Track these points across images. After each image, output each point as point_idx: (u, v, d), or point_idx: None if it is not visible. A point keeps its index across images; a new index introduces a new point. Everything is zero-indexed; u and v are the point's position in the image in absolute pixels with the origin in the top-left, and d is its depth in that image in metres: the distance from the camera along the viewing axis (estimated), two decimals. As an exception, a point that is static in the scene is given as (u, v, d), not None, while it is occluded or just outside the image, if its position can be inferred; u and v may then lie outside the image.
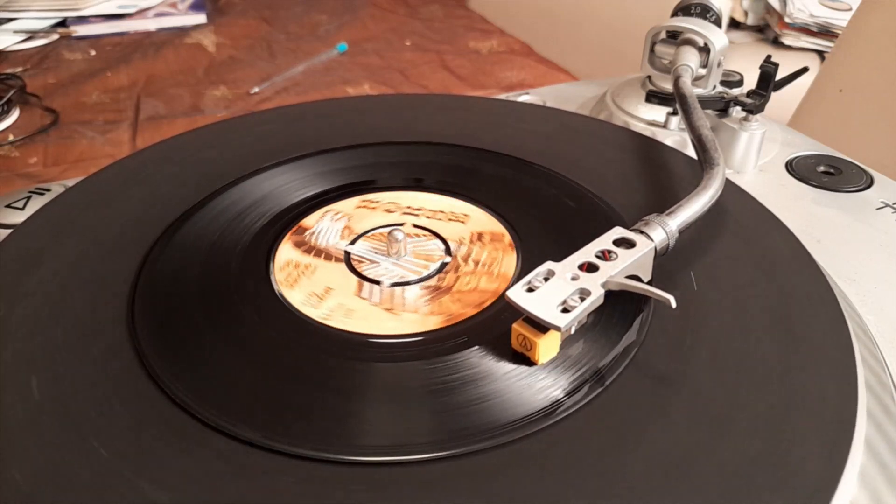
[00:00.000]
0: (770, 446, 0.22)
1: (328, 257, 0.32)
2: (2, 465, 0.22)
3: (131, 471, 0.22)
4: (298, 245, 0.33)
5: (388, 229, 0.33)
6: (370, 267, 0.32)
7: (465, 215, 0.36)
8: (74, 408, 0.24)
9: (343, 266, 0.32)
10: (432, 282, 0.31)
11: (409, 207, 0.36)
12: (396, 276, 0.31)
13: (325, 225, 0.34)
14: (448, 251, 0.33)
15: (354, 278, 0.31)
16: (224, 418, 0.23)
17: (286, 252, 0.32)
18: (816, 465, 0.22)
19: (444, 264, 0.32)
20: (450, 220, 0.35)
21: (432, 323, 0.29)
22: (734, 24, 0.94)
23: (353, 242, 0.33)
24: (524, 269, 0.32)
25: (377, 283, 0.31)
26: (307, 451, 0.22)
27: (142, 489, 0.21)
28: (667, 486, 0.21)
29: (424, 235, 0.34)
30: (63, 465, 0.22)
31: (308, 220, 0.35)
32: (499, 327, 0.27)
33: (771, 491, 0.21)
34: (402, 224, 0.35)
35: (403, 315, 0.29)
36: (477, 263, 0.32)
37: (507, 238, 0.34)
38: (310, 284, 0.31)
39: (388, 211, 0.36)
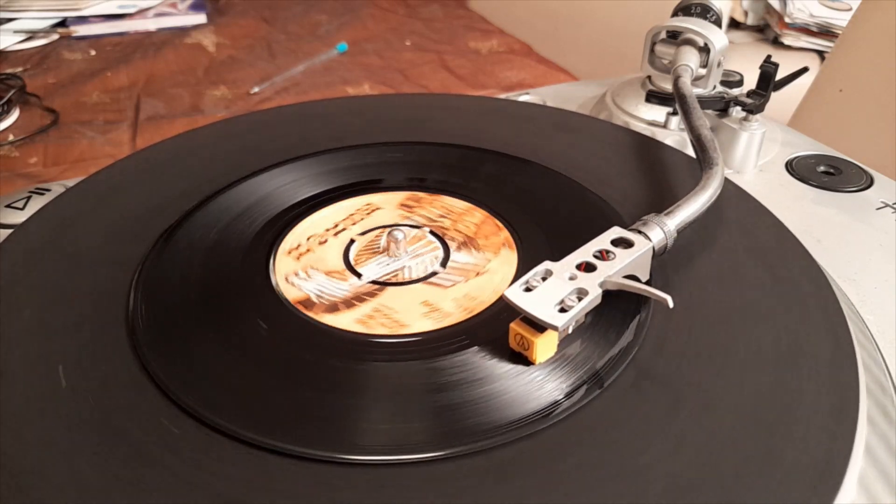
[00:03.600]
0: (770, 446, 0.22)
1: (372, 294, 0.30)
2: (2, 465, 0.22)
3: (131, 471, 0.22)
4: (335, 309, 0.29)
5: (387, 231, 0.33)
6: (405, 271, 0.32)
7: (369, 204, 0.37)
8: (73, 408, 0.24)
9: (393, 288, 0.31)
10: (454, 244, 0.33)
11: (327, 231, 0.35)
12: (434, 260, 0.32)
13: (313, 285, 0.31)
14: (414, 227, 0.35)
15: (418, 285, 0.31)
16: (224, 418, 0.23)
17: (347, 318, 0.29)
18: (817, 465, 0.22)
19: (432, 232, 0.34)
20: (369, 213, 0.36)
21: (509, 256, 0.32)
22: (734, 24, 0.94)
23: (359, 275, 0.32)
24: (523, 268, 0.32)
25: (435, 273, 0.32)
26: (307, 451, 0.22)
27: (141, 489, 0.21)
28: (666, 486, 0.21)
29: (377, 232, 0.34)
30: (62, 464, 0.22)
31: (290, 293, 0.30)
32: (498, 327, 0.27)
33: (772, 491, 0.21)
34: (352, 241, 0.34)
35: (490, 265, 0.32)
36: (443, 216, 0.35)
37: (420, 193, 0.37)
38: (412, 311, 0.29)
39: (322, 242, 0.34)
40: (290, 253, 0.33)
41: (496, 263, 0.32)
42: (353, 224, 0.35)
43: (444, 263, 0.32)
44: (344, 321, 0.29)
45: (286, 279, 0.31)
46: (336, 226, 0.35)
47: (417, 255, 0.33)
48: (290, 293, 0.30)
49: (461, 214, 0.35)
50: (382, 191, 0.37)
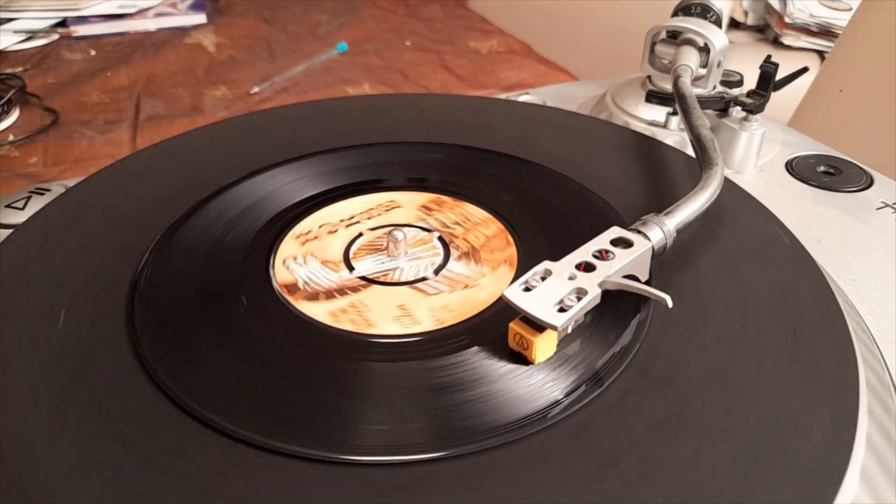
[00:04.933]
0: (770, 447, 0.22)
1: (355, 289, 0.31)
2: (2, 464, 0.22)
3: (131, 471, 0.22)
4: (314, 298, 0.30)
5: (388, 230, 0.33)
6: (396, 272, 0.32)
7: (391, 201, 0.37)
8: (73, 408, 0.24)
9: (378, 287, 0.31)
10: (456, 252, 0.33)
11: (341, 221, 0.35)
12: (429, 266, 0.32)
13: (305, 271, 0.32)
14: (426, 230, 0.35)
15: (402, 288, 0.31)
16: (223, 418, 0.23)
17: (321, 309, 0.29)
18: (817, 466, 0.22)
19: (440, 238, 0.34)
20: (387, 210, 0.36)
21: (505, 274, 0.31)
22: (734, 24, 0.94)
23: (352, 269, 0.32)
24: (522, 268, 0.32)
25: (425, 279, 0.31)
26: (306, 451, 0.22)
27: (142, 489, 0.21)
28: (667, 486, 0.21)
29: (386, 230, 0.34)
30: (62, 465, 0.22)
31: (282, 276, 0.31)
32: (497, 327, 0.27)
33: (771, 491, 0.21)
34: (360, 235, 0.34)
35: (481, 282, 0.31)
36: (458, 224, 0.34)
37: (445, 198, 0.37)
38: (384, 313, 0.29)
39: (332, 231, 0.34)
40: (297, 237, 0.34)
41: (489, 280, 0.31)
42: (369, 218, 0.35)
43: (437, 271, 0.32)
44: (317, 311, 0.29)
45: (283, 262, 0.32)
46: (351, 217, 0.35)
47: (415, 259, 0.33)
48: (281, 276, 0.31)
49: (476, 224, 0.35)
50: (394, 190, 0.37)
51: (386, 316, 0.29)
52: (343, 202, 0.36)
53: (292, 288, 0.31)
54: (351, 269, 0.32)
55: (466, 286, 0.31)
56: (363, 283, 0.31)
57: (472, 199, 0.36)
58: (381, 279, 0.31)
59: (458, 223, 0.35)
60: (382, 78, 1.00)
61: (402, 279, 0.31)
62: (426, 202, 0.37)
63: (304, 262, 0.32)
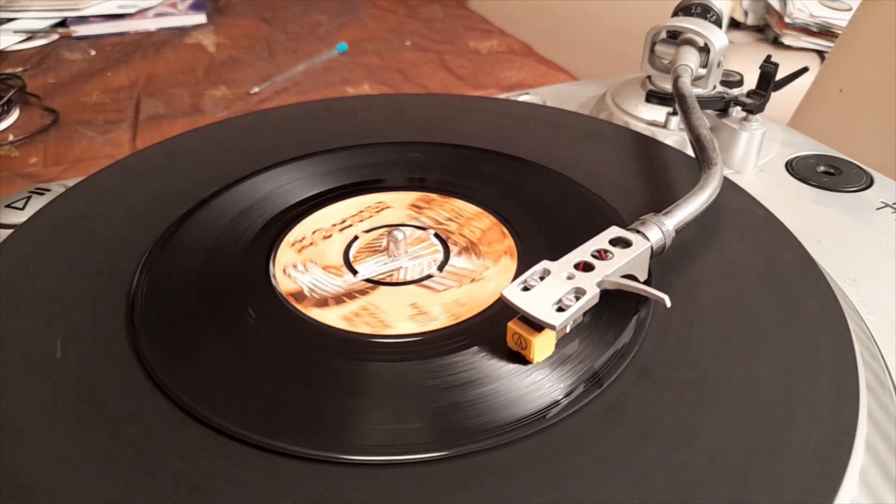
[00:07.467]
0: (770, 448, 0.22)
1: (363, 292, 0.30)
2: (2, 465, 0.22)
3: (131, 471, 0.22)
4: (324, 304, 0.30)
5: (387, 229, 0.33)
6: (401, 272, 0.32)
7: (380, 202, 0.37)
8: (74, 408, 0.24)
9: (386, 288, 0.31)
10: (456, 249, 0.33)
11: (333, 226, 0.35)
12: (432, 263, 0.32)
13: (308, 279, 0.31)
14: (420, 228, 0.35)
15: (411, 287, 0.31)
16: (224, 418, 0.23)
17: (334, 314, 0.29)
18: (817, 467, 0.22)
19: (437, 235, 0.34)
20: (378, 211, 0.36)
21: (508, 265, 0.32)
22: (734, 24, 0.94)
23: (355, 272, 0.32)
24: (522, 267, 0.32)
25: (430, 276, 0.31)
26: (306, 451, 0.22)
27: (142, 490, 0.21)
28: (665, 486, 0.21)
29: (381, 231, 0.34)
30: (63, 465, 0.22)
31: (284, 285, 0.31)
32: (497, 328, 0.27)
33: (771, 493, 0.21)
34: (356, 238, 0.34)
35: (486, 274, 0.31)
36: (451, 219, 0.35)
37: (432, 195, 0.37)
38: (398, 313, 0.29)
39: (327, 237, 0.34)
40: (293, 245, 0.33)
41: (493, 272, 0.32)
42: (361, 221, 0.35)
43: (441, 267, 0.32)
44: (330, 317, 0.29)
45: (283, 271, 0.32)
46: (343, 221, 0.35)
47: (416, 257, 0.33)
48: (284, 285, 0.31)
49: (469, 219, 0.35)
50: (393, 190, 0.37)
51: (400, 316, 0.29)
52: (332, 206, 0.36)
53: (299, 296, 0.30)
54: (354, 272, 0.32)
55: (473, 280, 0.31)
56: (369, 285, 0.31)
57: (471, 198, 0.37)
58: (387, 280, 0.31)
59: (450, 219, 0.35)
60: (382, 78, 1.00)
61: (409, 278, 0.31)
62: (417, 201, 0.37)
63: (305, 270, 0.32)
